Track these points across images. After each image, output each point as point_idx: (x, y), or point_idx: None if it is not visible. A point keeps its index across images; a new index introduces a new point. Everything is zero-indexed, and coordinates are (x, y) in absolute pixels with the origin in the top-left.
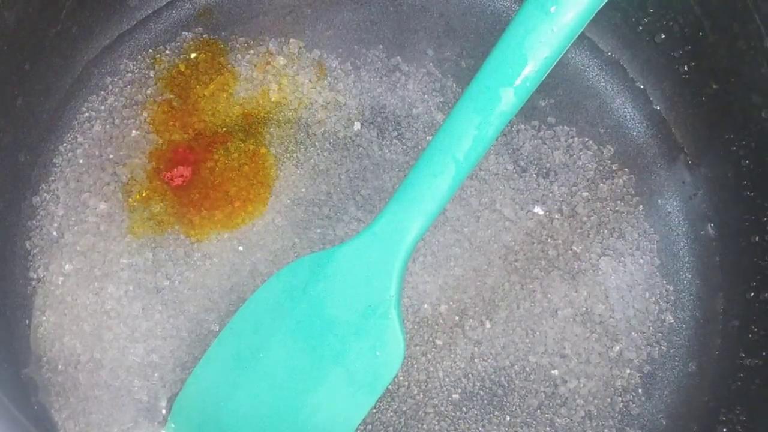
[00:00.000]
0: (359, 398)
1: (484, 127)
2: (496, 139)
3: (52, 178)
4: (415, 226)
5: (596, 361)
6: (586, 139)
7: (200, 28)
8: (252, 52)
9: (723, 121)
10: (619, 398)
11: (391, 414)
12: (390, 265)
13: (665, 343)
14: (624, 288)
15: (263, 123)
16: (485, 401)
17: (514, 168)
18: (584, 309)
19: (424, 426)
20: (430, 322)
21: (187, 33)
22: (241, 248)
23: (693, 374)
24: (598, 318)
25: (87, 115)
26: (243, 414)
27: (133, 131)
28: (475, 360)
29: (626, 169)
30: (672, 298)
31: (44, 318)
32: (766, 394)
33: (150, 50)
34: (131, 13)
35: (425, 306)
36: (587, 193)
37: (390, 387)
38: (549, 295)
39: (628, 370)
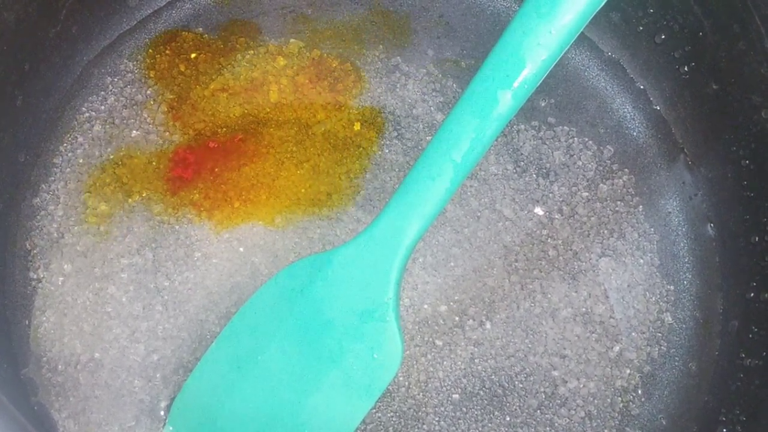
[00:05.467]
0: (357, 400)
1: (482, 130)
2: (496, 140)
3: (52, 178)
4: (413, 229)
5: (596, 361)
6: (586, 140)
7: (200, 29)
8: (252, 52)
9: (723, 121)
10: (619, 398)
11: (391, 414)
12: (388, 268)
13: (665, 344)
14: (624, 288)
15: (263, 123)
16: (485, 401)
17: (514, 168)
18: (584, 309)
19: (425, 426)
20: (430, 322)
21: (187, 33)
22: (241, 249)
23: (693, 374)
24: (598, 318)
25: (87, 115)
26: (241, 417)
27: (134, 131)
28: (475, 360)
29: (626, 170)
30: (672, 298)
31: (44, 318)
32: (766, 394)
33: (150, 50)
34: (131, 13)
35: (425, 306)
36: (587, 194)
37: (390, 387)
38: (549, 296)
39: (628, 371)
